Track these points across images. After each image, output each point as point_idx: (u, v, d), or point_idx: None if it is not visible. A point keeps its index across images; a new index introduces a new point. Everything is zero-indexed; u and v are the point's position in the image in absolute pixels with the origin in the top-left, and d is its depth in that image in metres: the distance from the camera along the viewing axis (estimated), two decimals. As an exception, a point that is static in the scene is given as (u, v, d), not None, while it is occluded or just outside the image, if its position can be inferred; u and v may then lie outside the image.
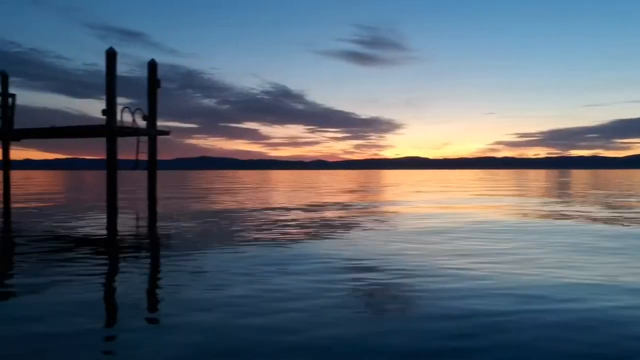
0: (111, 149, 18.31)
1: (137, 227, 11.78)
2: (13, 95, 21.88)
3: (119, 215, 14.13)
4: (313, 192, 28.86)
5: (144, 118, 20.03)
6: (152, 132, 19.91)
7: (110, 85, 18.28)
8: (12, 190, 27.36)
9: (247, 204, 19.12)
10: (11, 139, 22.20)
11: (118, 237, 10.01)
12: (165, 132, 20.57)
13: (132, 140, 19.44)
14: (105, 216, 13.97)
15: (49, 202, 20.54)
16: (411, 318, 4.66)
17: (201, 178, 71.89)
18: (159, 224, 12.27)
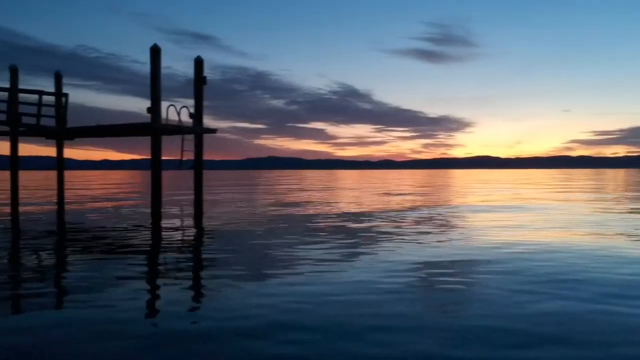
0: (155, 148, 17.98)
1: (182, 229, 11.27)
2: (66, 95, 22.04)
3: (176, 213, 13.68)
4: (392, 192, 27.83)
5: (191, 116, 19.62)
6: (197, 130, 19.46)
7: (155, 82, 17.94)
8: (98, 189, 27.79)
9: (324, 203, 18.37)
10: (64, 138, 22.40)
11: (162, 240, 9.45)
12: (212, 130, 20.08)
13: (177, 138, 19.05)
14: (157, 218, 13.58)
15: (106, 203, 20.57)
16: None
17: (272, 177, 72.11)
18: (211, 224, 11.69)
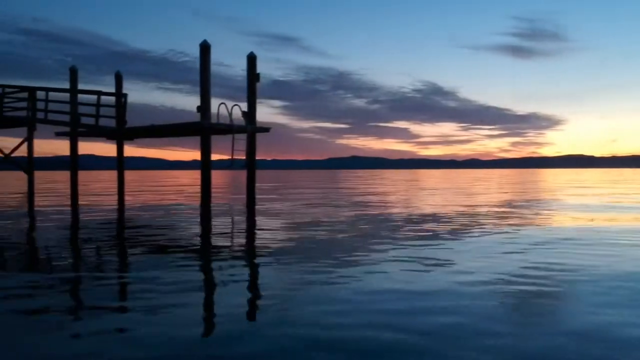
0: (205, 147, 17.43)
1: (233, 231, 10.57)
2: (125, 95, 22.04)
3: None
4: (483, 192, 26.18)
5: (243, 114, 18.95)
6: (249, 129, 18.77)
7: (204, 80, 17.39)
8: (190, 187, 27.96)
9: (414, 203, 17.28)
10: (123, 138, 22.43)
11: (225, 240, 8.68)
12: (265, 129, 19.33)
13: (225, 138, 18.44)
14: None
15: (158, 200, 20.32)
16: None
17: (355, 177, 71.19)
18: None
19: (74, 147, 20.69)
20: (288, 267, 6.63)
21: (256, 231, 10.62)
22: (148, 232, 10.44)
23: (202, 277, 6.11)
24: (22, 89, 22.39)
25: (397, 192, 26.57)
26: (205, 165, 17.51)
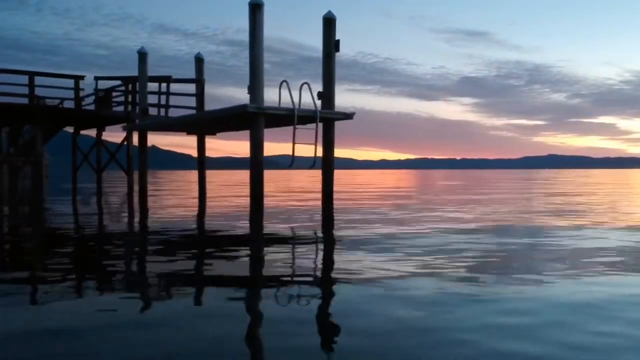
0: (256, 139, 13.00)
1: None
2: (203, 81, 18.72)
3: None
4: None
5: (319, 95, 14.23)
6: (329, 115, 13.97)
7: (255, 47, 13.00)
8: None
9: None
10: (206, 133, 19.11)
11: None
12: (347, 115, 14.35)
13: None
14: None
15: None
16: None
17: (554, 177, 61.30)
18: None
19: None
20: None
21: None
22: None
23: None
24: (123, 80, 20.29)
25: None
26: (255, 164, 13.03)
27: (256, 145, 13.04)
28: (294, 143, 13.52)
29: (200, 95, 18.54)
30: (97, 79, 20.18)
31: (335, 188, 15.15)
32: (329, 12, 14.36)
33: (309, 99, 14.03)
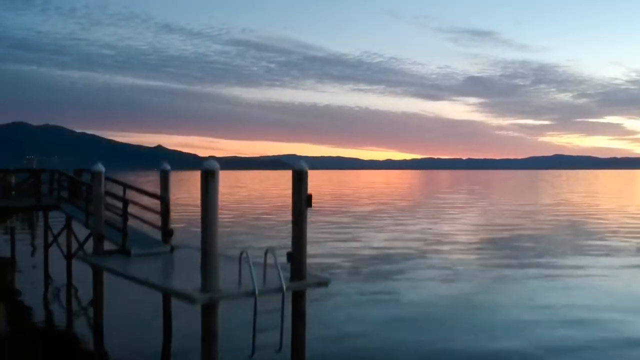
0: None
1: None
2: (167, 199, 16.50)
3: None
4: None
5: (288, 258, 12.03)
6: (299, 288, 11.70)
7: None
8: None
9: None
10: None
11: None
12: (324, 283, 12.12)
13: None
14: None
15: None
16: None
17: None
18: None
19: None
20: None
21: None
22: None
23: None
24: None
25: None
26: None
27: None
28: (254, 329, 11.34)
29: (165, 215, 16.19)
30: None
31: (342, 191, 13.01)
32: (300, 164, 12.11)
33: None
